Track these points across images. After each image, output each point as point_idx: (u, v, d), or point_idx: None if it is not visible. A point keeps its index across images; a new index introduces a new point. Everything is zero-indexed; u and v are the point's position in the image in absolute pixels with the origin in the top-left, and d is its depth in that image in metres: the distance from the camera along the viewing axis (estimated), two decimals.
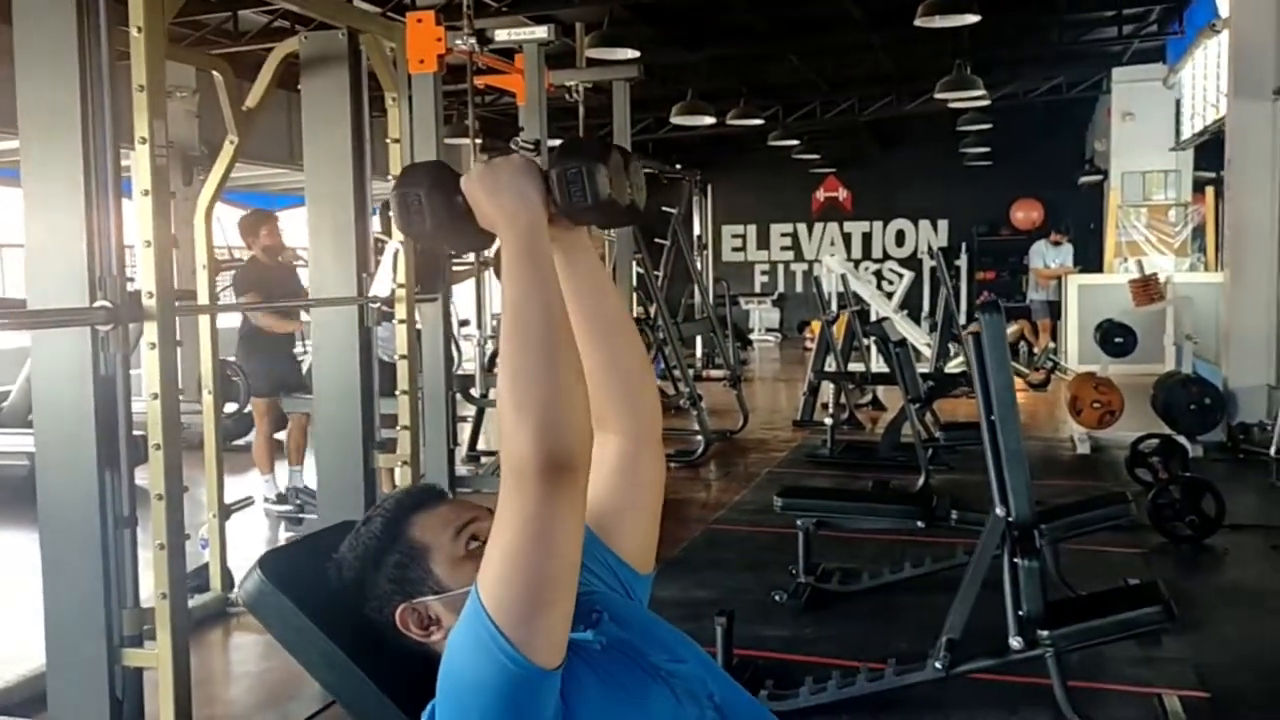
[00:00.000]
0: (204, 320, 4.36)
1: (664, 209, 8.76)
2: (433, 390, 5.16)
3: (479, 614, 1.25)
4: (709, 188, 11.40)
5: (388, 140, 4.10)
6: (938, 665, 3.17)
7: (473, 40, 4.95)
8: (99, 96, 2.95)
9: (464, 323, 9.60)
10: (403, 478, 4.08)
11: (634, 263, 7.60)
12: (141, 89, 2.90)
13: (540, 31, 5.00)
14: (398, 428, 4.12)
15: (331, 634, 1.44)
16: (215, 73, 4.10)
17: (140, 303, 2.96)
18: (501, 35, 5.08)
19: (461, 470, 6.54)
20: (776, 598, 4.28)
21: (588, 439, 1.27)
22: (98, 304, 2.92)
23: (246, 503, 4.64)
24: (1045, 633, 3.04)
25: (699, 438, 7.46)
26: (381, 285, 4.07)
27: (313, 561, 1.48)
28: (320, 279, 4.17)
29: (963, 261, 16.07)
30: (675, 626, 1.57)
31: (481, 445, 7.27)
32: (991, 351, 3.04)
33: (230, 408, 5.08)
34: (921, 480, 6.18)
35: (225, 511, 4.46)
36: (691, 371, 11.08)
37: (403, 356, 4.07)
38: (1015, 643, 3.09)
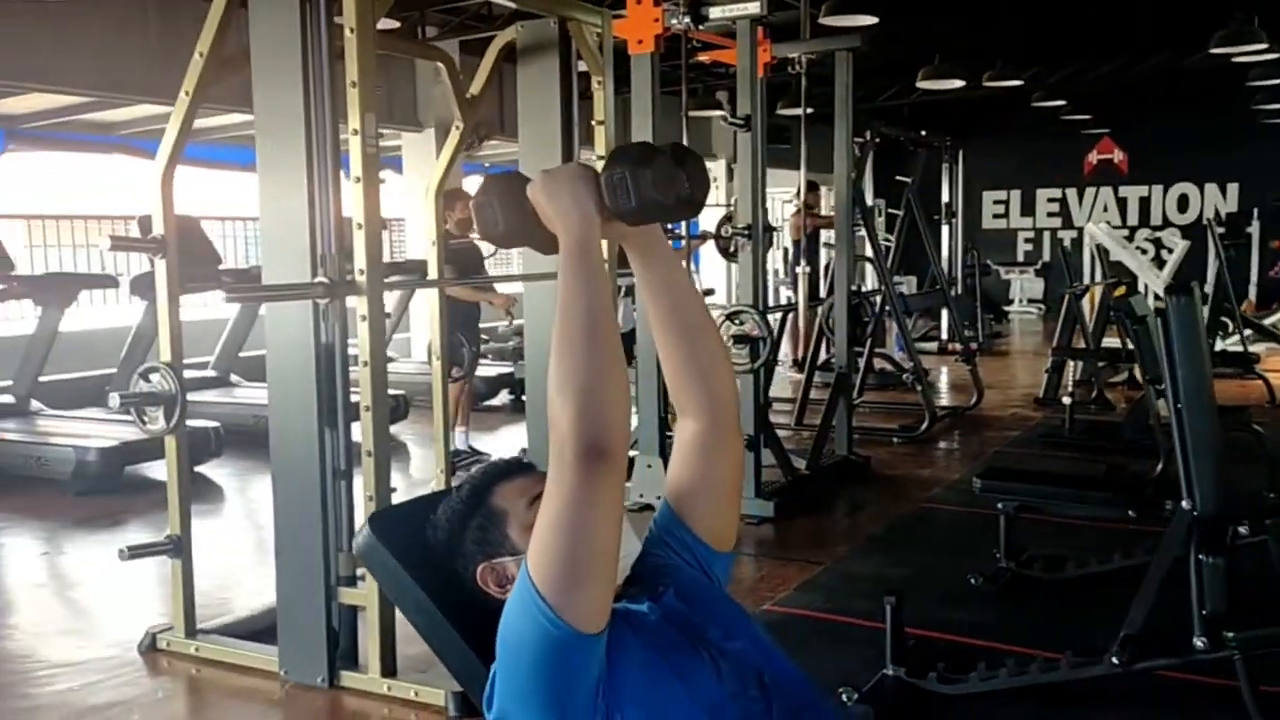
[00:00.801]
0: (433, 293, 4.71)
1: (898, 178, 8.56)
2: (645, 362, 5.37)
3: (525, 580, 1.39)
4: (960, 153, 11.02)
5: (593, 123, 4.29)
6: (1114, 660, 3.06)
7: (688, 19, 5.06)
8: (320, 95, 3.29)
9: (708, 292, 9.80)
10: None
11: (861, 232, 7.52)
12: (354, 85, 3.20)
13: (753, 7, 5.04)
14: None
15: (425, 586, 1.62)
16: (439, 62, 4.41)
17: (352, 279, 3.28)
18: (716, 13, 5.16)
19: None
20: (973, 581, 4.21)
21: (623, 429, 1.38)
22: (318, 280, 3.27)
23: (478, 457, 4.99)
24: (1231, 634, 2.87)
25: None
26: None
27: (416, 521, 1.66)
28: (534, 254, 4.42)
29: (1254, 229, 14.74)
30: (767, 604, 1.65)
31: None
32: (1180, 336, 2.89)
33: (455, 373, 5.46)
34: (1160, 467, 5.82)
35: (452, 467, 4.82)
36: (935, 345, 10.88)
37: (364, 362, 4.22)
38: (1199, 643, 2.95)
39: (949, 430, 7.64)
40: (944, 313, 10.95)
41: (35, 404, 7.17)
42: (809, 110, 6.74)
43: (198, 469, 6.45)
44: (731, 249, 5.58)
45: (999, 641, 3.64)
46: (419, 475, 6.27)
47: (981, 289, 11.47)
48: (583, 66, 4.33)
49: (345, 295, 3.32)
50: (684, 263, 6.36)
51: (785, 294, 10.52)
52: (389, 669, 3.35)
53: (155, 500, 5.72)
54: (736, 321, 5.24)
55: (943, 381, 9.85)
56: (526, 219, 1.50)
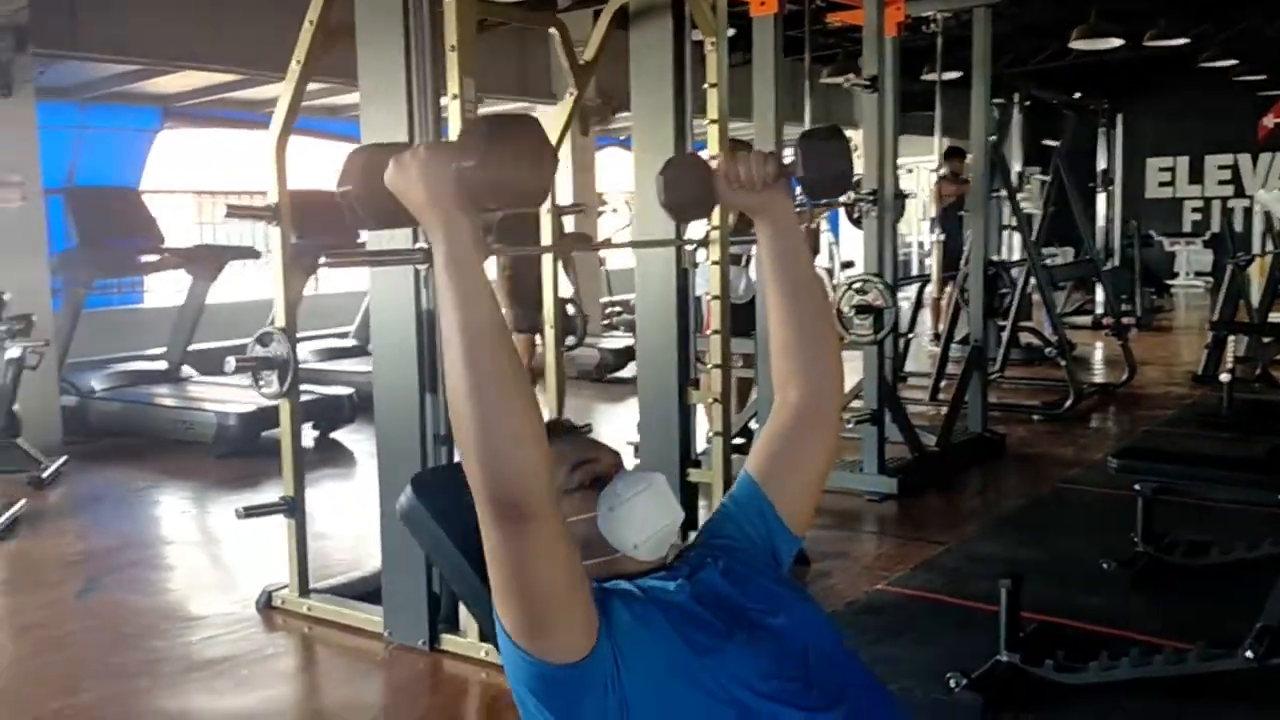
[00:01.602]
0: (547, 261, 4.69)
1: (1044, 142, 8.12)
2: (764, 332, 5.24)
3: (500, 633, 1.35)
4: (1118, 118, 10.39)
5: (705, 85, 4.18)
6: (1249, 655, 2.82)
7: None
8: (421, 60, 3.29)
9: (847, 264, 9.56)
10: (713, 416, 4.20)
11: (1002, 201, 7.18)
12: (453, 49, 3.18)
13: None
14: (709, 366, 4.24)
15: (464, 549, 1.58)
16: (551, 29, 4.36)
17: None
18: None
19: None
20: (1105, 566, 3.97)
21: (533, 476, 1.23)
22: (418, 245, 3.27)
23: (584, 429, 4.96)
24: None
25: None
26: (697, 227, 4.18)
27: (459, 483, 1.61)
28: (643, 221, 4.36)
29: None
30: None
31: None
32: None
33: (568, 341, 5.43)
34: None
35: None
36: (1089, 320, 10.35)
37: (715, 297, 4.16)
38: None
39: (1096, 408, 7.25)
40: (1098, 286, 10.42)
41: (186, 370, 7.51)
42: (953, 75, 6.47)
43: (332, 434, 6.66)
44: (856, 215, 5.39)
45: (1126, 630, 3.41)
46: None
47: (1142, 261, 10.83)
48: (697, 36, 4.23)
49: None
50: (808, 229, 6.18)
51: (930, 264, 10.18)
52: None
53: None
54: (860, 291, 5.05)
55: (1095, 358, 9.37)
56: (394, 210, 1.32)
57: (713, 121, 4.08)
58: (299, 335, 8.30)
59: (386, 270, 3.41)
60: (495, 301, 1.23)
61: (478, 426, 1.19)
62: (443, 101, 3.26)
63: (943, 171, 9.95)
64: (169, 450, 6.43)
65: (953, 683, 3.03)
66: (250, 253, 7.78)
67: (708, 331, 4.28)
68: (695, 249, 4.27)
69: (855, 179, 6.08)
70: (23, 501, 5.10)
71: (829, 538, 4.55)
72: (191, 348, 7.57)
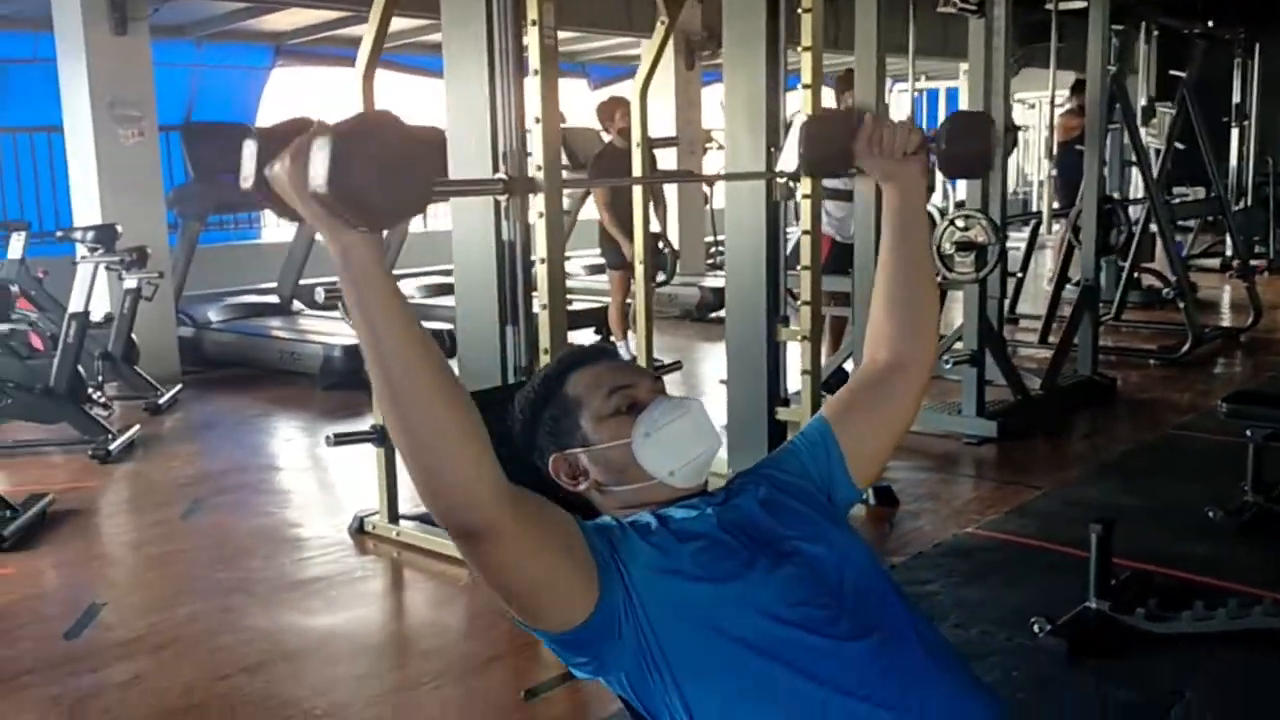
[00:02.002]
0: (638, 195, 4.65)
1: (1171, 72, 7.67)
2: (864, 269, 5.11)
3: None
4: (1256, 48, 9.74)
5: (799, 10, 4.04)
6: None
7: None
8: None
9: (961, 205, 9.25)
10: (802, 353, 4.13)
11: (1119, 132, 6.83)
12: None
13: None
14: (799, 303, 4.16)
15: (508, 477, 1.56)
16: None
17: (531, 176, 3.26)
18: None
19: None
20: (1210, 514, 3.79)
21: (475, 498, 1.15)
22: (496, 176, 3.26)
23: (675, 366, 4.94)
24: None
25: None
26: (789, 160, 4.08)
27: (500, 411, 1.60)
28: (734, 153, 4.28)
29: None
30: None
31: (940, 330, 7.04)
32: None
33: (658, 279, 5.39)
34: None
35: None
36: (1217, 262, 9.84)
37: (805, 232, 4.07)
38: None
39: (1218, 353, 6.92)
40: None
41: (296, 305, 7.71)
42: (1077, 4, 6.15)
43: None
44: None
45: (1226, 581, 3.26)
46: None
47: (1276, 201, 10.21)
48: None
49: (525, 192, 3.30)
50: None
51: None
52: None
53: None
54: (961, 226, 4.88)
55: (1220, 301, 8.94)
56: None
57: (805, 49, 3.96)
58: (404, 271, 8.44)
59: (467, 202, 3.41)
60: (405, 315, 1.11)
61: (408, 451, 1.14)
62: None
63: (1068, 105, 9.53)
64: (278, 381, 6.63)
65: (1037, 628, 2.94)
66: None
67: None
68: (787, 182, 4.17)
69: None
70: (138, 426, 5.32)
71: (921, 480, 4.45)
72: (303, 282, 7.76)
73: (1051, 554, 3.62)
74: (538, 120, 3.19)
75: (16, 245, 5.86)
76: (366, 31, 3.62)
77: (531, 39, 3.15)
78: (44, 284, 6.09)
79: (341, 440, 3.83)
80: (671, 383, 5.50)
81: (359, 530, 3.94)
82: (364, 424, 4.86)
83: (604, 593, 1.30)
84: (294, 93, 9.87)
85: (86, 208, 6.54)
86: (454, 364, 6.63)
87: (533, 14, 3.14)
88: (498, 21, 3.26)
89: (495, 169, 3.27)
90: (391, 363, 1.11)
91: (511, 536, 1.20)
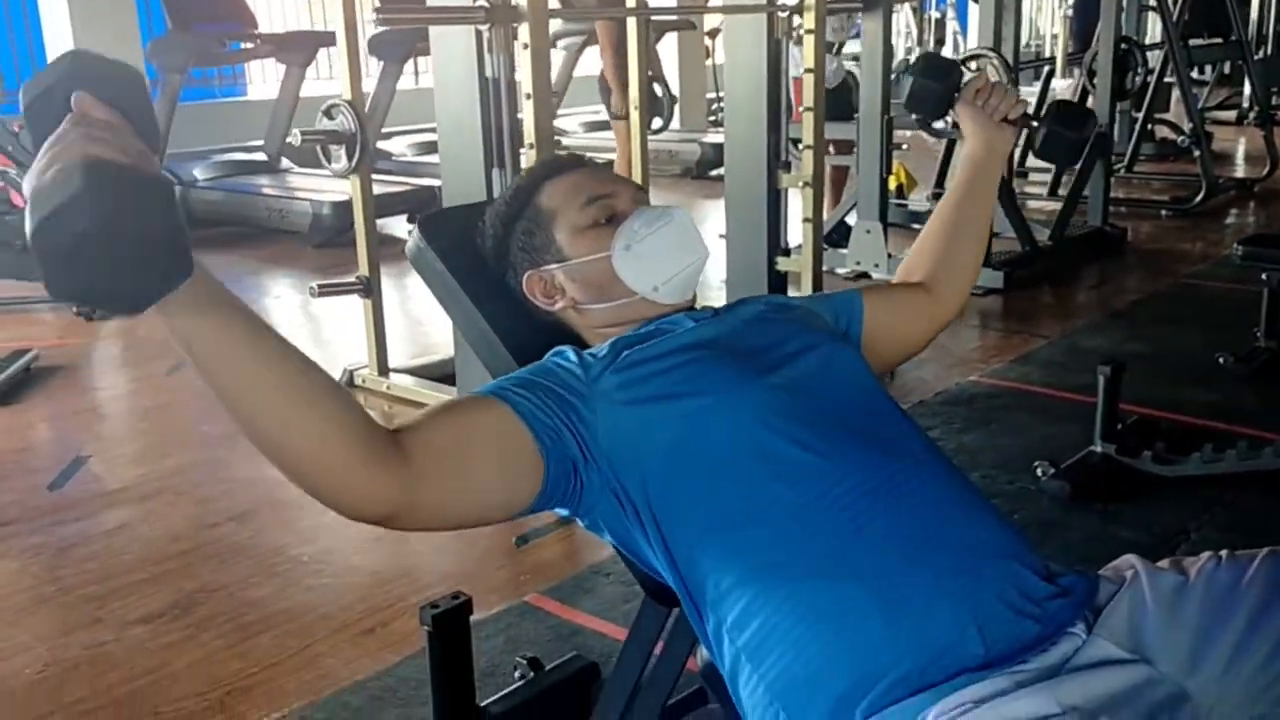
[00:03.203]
0: (632, 27, 4.41)
1: None
2: (868, 114, 4.92)
3: None
4: None
5: None
6: None
7: None
8: None
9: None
10: (804, 200, 3.97)
11: None
12: None
13: None
14: (801, 148, 3.98)
15: (474, 297, 1.45)
16: None
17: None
18: None
19: (918, 205, 6.27)
20: (1221, 360, 3.70)
21: (365, 501, 1.05)
22: (477, 3, 3.06)
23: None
24: None
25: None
26: None
27: (468, 227, 1.48)
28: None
29: None
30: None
31: (949, 183, 6.84)
32: None
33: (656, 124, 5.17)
34: None
35: None
36: (1234, 113, 9.55)
37: (808, 70, 3.86)
38: None
39: (1231, 204, 6.74)
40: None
41: (284, 162, 7.50)
42: None
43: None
44: None
45: (1236, 425, 3.18)
46: None
47: None
48: None
49: (509, 21, 3.10)
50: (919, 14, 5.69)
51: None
52: None
53: (385, 255, 5.91)
54: (972, 68, 4.66)
55: (1236, 152, 8.69)
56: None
57: None
58: (392, 129, 8.18)
59: (447, 35, 3.21)
60: (247, 368, 0.98)
61: (273, 460, 1.02)
62: None
63: None
64: (268, 239, 6.48)
65: (1040, 471, 2.88)
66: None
67: (799, 110, 4.00)
68: (789, 15, 3.94)
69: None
70: None
71: None
72: (290, 139, 7.53)
73: (1057, 400, 3.54)
74: None
75: None
76: None
77: None
78: (20, 139, 5.89)
79: (326, 290, 3.72)
80: None
81: (349, 384, 3.85)
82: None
83: (549, 457, 1.17)
84: None
85: None
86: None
87: None
88: None
89: None
90: (246, 416, 0.99)
91: (421, 500, 1.08)
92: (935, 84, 1.69)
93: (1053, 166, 6.82)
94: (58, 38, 6.29)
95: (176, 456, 3.32)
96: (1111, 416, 2.98)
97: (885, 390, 1.37)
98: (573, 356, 1.28)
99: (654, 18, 6.29)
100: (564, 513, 1.27)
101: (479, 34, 3.13)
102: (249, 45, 7.41)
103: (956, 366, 3.91)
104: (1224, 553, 1.20)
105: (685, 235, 1.38)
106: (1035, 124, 1.66)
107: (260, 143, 7.68)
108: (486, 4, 3.04)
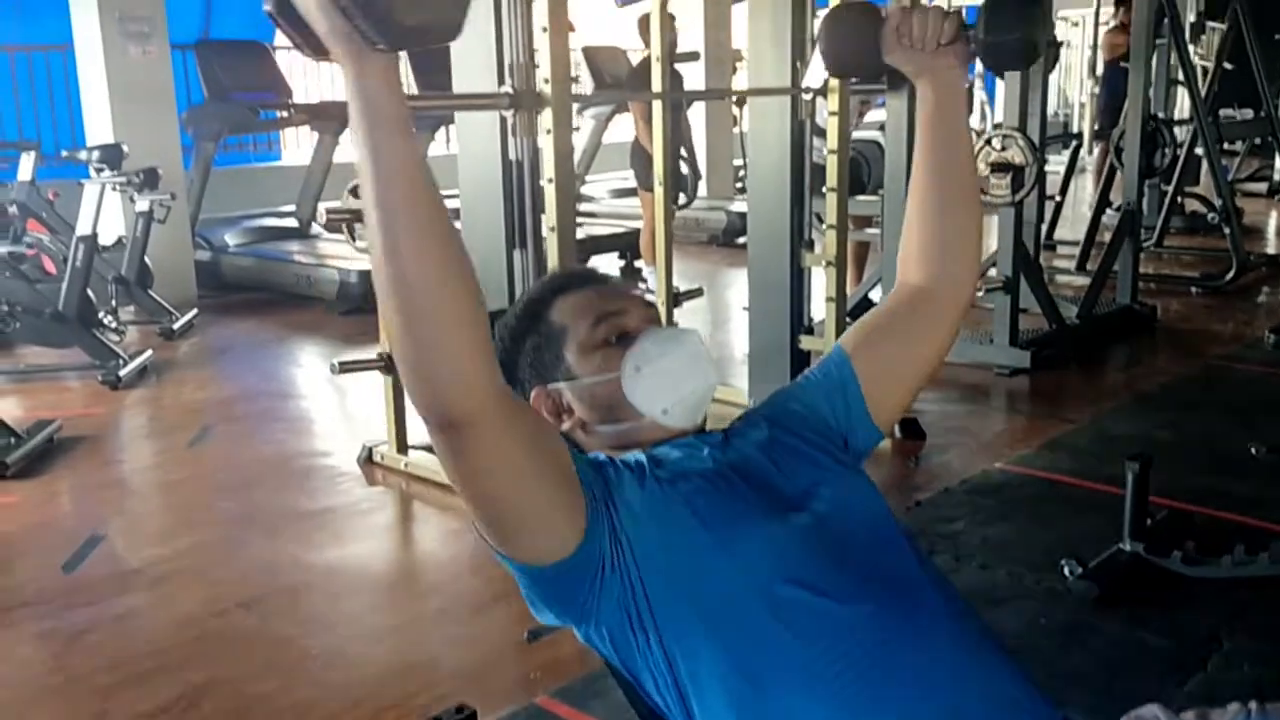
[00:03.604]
0: (657, 110, 4.44)
1: None
2: (892, 190, 4.91)
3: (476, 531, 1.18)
4: None
5: None
6: None
7: None
8: None
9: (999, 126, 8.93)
10: (827, 279, 3.96)
11: (1166, 49, 6.51)
12: None
13: None
14: (824, 227, 3.97)
15: None
16: None
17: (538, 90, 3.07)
18: None
19: None
20: (1254, 451, 3.62)
21: (470, 382, 1.01)
22: (502, 90, 3.08)
23: (696, 292, 4.77)
24: None
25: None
26: (814, 75, 3.87)
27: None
28: (757, 68, 4.06)
29: None
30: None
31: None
32: None
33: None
34: None
35: (675, 299, 4.63)
36: (1265, 186, 9.49)
37: (831, 151, 3.86)
38: None
39: (1263, 281, 6.66)
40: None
41: (315, 228, 7.58)
42: None
43: None
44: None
45: (1269, 522, 3.10)
46: None
47: None
48: None
49: (532, 108, 3.12)
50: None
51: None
52: None
53: None
54: (997, 147, 4.65)
55: (1268, 227, 8.63)
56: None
57: None
58: None
59: (472, 118, 3.24)
60: (414, 154, 0.99)
61: (403, 313, 0.98)
62: None
63: (1113, 22, 9.13)
64: (295, 305, 6.52)
65: (1067, 570, 2.80)
66: None
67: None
68: (813, 98, 3.96)
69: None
70: (150, 351, 5.23)
71: (950, 412, 4.29)
72: (321, 205, 7.62)
73: (1084, 491, 3.47)
74: (545, 30, 3.00)
75: (26, 166, 5.75)
76: None
77: None
78: (55, 206, 5.98)
79: (347, 367, 3.72)
80: (693, 309, 5.36)
81: (368, 460, 3.84)
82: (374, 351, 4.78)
83: (590, 532, 1.16)
84: None
85: (98, 128, 6.40)
86: None
87: None
88: None
89: (500, 82, 3.09)
90: (396, 208, 0.96)
91: (499, 433, 1.05)
92: (852, 42, 1.44)
93: (1080, 240, 6.78)
94: (96, 106, 6.39)
95: (191, 535, 3.31)
96: (1140, 512, 2.91)
97: (895, 520, 1.33)
98: (604, 458, 1.27)
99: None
100: (556, 619, 1.24)
101: (503, 119, 3.15)
102: (283, 114, 7.52)
103: (982, 451, 3.85)
104: (1253, 705, 1.15)
105: (696, 359, 1.35)
106: (972, 32, 1.39)
107: (293, 208, 7.77)
108: (511, 90, 3.07)
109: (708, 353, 1.37)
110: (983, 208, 1.48)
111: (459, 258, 1.00)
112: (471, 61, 3.18)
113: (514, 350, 1.41)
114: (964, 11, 1.39)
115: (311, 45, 1.01)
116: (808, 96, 3.90)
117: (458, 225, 3.43)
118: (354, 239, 3.63)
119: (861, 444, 1.43)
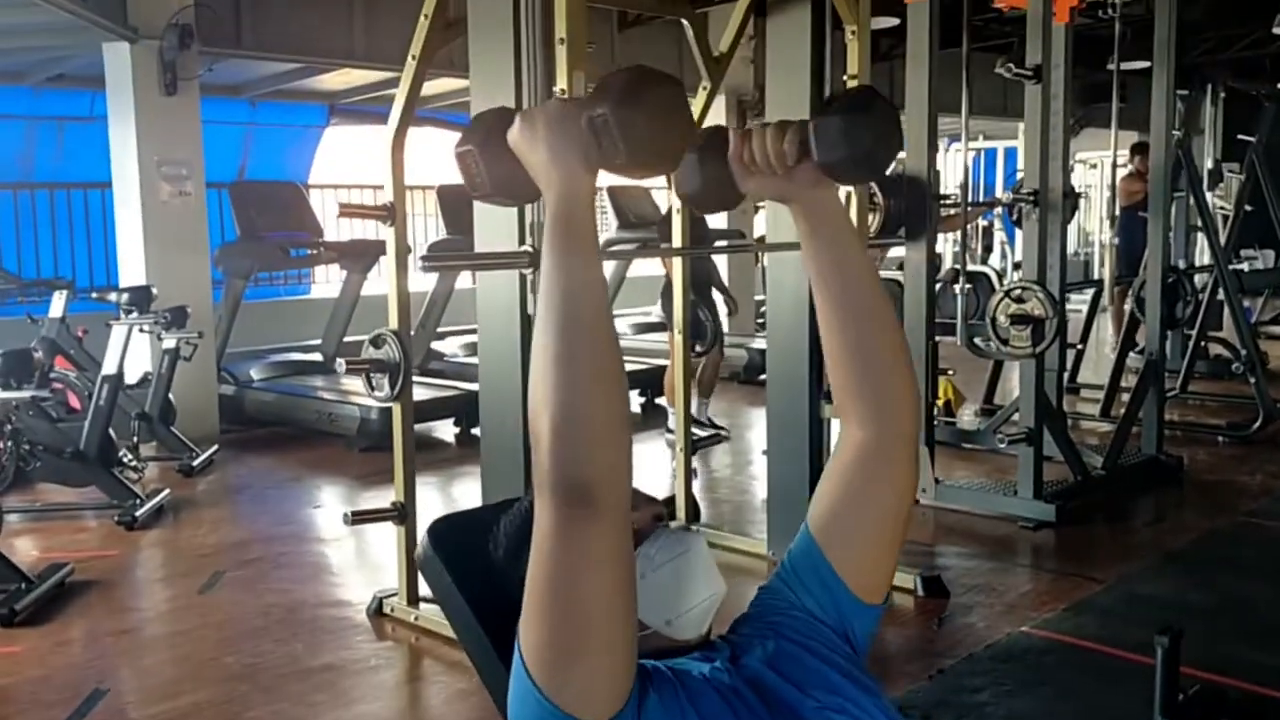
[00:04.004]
0: (678, 263, 4.49)
1: (1239, 137, 7.41)
2: (913, 339, 4.90)
3: (518, 654, 1.14)
4: None
5: (845, 77, 3.89)
6: None
7: None
8: (532, 53, 3.13)
9: (1020, 266, 8.98)
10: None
11: (1185, 198, 6.58)
12: (562, 42, 3.01)
13: None
14: None
15: (480, 609, 1.40)
16: (684, 19, 4.14)
17: None
18: None
19: (967, 423, 6.19)
20: None
21: (613, 469, 1.08)
22: (522, 249, 3.12)
23: (720, 438, 4.74)
24: None
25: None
26: None
27: (483, 529, 1.44)
28: (776, 221, 4.12)
29: None
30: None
31: (998, 399, 6.77)
32: None
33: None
34: None
35: (693, 446, 4.60)
36: None
37: None
38: None
39: None
40: None
41: (340, 364, 7.61)
42: (1141, 64, 5.95)
43: (474, 430, 6.62)
44: (1016, 216, 4.98)
45: None
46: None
47: None
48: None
49: None
50: (963, 232, 5.77)
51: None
52: None
53: (429, 460, 5.93)
54: (1016, 299, 4.65)
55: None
56: (514, 173, 1.19)
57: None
58: (443, 329, 8.33)
59: (494, 275, 3.27)
60: (601, 270, 1.14)
61: (569, 393, 1.06)
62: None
63: (1130, 168, 9.24)
64: (316, 441, 6.53)
65: None
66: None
67: None
68: None
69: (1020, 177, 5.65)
70: (167, 491, 5.23)
71: (974, 569, 4.20)
72: (348, 339, 7.70)
73: (1112, 660, 3.35)
74: None
75: (58, 304, 5.85)
76: (397, 96, 3.53)
77: None
78: (84, 343, 6.06)
79: (360, 519, 3.69)
80: (717, 453, 5.31)
81: (377, 612, 3.78)
82: (388, 498, 4.76)
83: (625, 711, 1.13)
84: (347, 151, 9.90)
85: (132, 265, 6.54)
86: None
87: (562, 83, 3.02)
88: (526, 86, 3.13)
89: (521, 241, 3.13)
90: (583, 309, 1.08)
91: (617, 531, 1.09)
92: (703, 177, 1.32)
93: (1104, 382, 6.74)
94: (130, 244, 6.54)
95: (194, 693, 3.23)
96: (1171, 688, 2.79)
97: None
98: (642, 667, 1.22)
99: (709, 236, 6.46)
100: None
101: (522, 276, 3.18)
102: (313, 252, 7.67)
103: (1007, 614, 3.74)
104: None
105: (701, 566, 1.32)
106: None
107: (319, 341, 7.85)
108: (530, 249, 3.10)
109: (713, 561, 1.34)
110: (900, 329, 1.35)
111: (622, 373, 1.11)
112: (493, 220, 3.23)
113: (516, 550, 1.38)
114: (808, 127, 1.26)
115: (496, 178, 1.21)
116: None
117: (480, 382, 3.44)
118: (371, 388, 3.63)
119: (861, 634, 1.36)
